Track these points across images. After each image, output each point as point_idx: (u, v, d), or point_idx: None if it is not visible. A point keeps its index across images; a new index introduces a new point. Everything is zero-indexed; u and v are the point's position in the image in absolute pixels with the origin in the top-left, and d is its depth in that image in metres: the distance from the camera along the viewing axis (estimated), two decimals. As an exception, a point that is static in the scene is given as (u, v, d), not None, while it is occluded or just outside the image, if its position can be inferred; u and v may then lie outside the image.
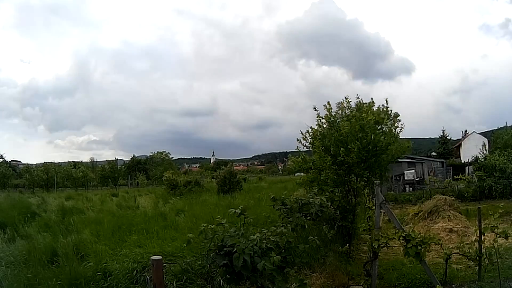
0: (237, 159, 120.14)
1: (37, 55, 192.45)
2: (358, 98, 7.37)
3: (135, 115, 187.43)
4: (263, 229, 3.52)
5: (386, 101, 7.05)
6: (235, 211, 3.43)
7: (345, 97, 7.23)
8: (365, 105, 7.07)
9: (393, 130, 7.16)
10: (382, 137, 6.51)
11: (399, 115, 7.09)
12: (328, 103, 7.07)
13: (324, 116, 7.10)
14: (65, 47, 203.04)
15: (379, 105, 7.07)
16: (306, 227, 4.14)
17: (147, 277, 4.56)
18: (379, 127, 6.74)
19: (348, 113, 6.95)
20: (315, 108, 7.17)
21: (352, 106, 7.16)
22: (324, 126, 7.10)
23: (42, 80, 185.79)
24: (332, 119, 7.02)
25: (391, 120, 7.07)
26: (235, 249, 2.99)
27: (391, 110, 7.10)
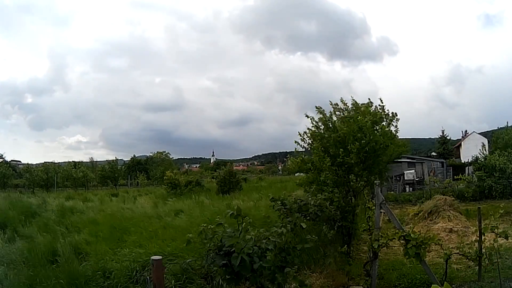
0: (237, 159, 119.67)
1: (14, 54, 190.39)
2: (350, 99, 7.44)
3: (116, 114, 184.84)
4: (261, 230, 3.52)
5: (381, 100, 7.12)
6: (232, 212, 3.42)
7: (341, 99, 7.31)
8: (362, 105, 7.08)
9: (390, 130, 7.18)
10: (381, 138, 6.51)
11: (397, 115, 7.09)
12: (319, 107, 7.20)
13: (319, 119, 7.17)
14: (41, 46, 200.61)
15: (376, 105, 7.10)
16: (304, 227, 4.14)
17: (147, 277, 4.56)
18: (377, 127, 6.76)
19: (345, 114, 6.98)
20: (306, 116, 7.33)
21: (350, 107, 7.19)
22: (321, 128, 7.14)
23: (20, 80, 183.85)
24: (329, 122, 7.07)
25: (389, 120, 7.06)
26: (233, 249, 2.99)
27: (388, 110, 7.13)
